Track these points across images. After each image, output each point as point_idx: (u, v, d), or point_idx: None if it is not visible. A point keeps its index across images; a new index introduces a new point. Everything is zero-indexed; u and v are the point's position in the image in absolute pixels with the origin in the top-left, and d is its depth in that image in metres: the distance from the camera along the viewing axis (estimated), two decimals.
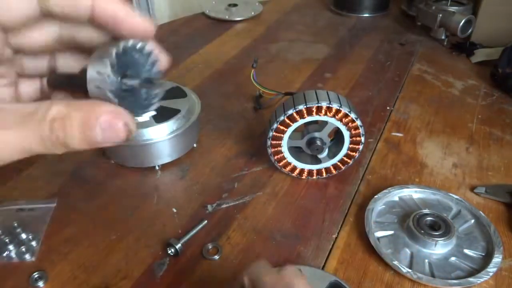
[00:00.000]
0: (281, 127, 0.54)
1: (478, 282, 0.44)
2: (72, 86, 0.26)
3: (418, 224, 0.49)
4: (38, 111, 0.20)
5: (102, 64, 0.22)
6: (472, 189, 0.57)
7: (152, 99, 0.25)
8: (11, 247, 0.49)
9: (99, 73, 0.22)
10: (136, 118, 0.23)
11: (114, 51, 0.22)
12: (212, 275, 0.46)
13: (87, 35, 0.25)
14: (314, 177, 0.60)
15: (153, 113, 0.26)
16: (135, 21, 0.23)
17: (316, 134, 0.56)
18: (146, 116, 0.25)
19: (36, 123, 0.20)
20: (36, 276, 0.46)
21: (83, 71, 0.22)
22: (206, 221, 0.52)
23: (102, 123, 0.20)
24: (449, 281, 0.44)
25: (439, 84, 0.83)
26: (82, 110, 0.20)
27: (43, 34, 0.24)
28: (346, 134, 0.55)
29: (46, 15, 0.22)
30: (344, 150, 0.57)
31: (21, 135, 0.20)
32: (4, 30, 0.22)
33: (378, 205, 0.54)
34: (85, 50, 0.26)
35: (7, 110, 0.21)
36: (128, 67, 0.23)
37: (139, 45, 0.24)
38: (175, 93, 0.65)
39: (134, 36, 0.24)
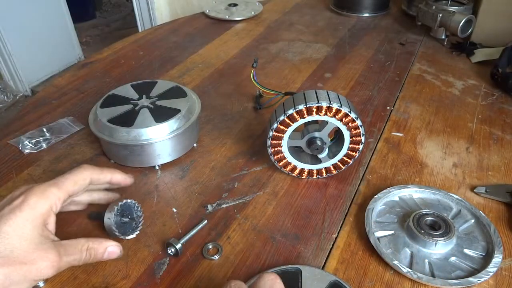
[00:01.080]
0: (281, 127, 0.54)
1: (478, 282, 0.44)
2: (97, 219, 0.51)
3: (418, 224, 0.49)
4: (83, 245, 0.41)
5: (111, 213, 0.47)
6: (472, 189, 0.57)
7: (137, 227, 0.49)
8: None
9: (109, 218, 0.47)
10: (128, 236, 0.48)
11: (118, 205, 0.47)
12: (212, 275, 0.46)
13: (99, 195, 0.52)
14: (314, 177, 0.60)
15: (137, 232, 0.49)
16: (123, 181, 0.50)
17: (316, 134, 0.56)
18: (134, 235, 0.48)
19: (81, 251, 0.41)
20: None
21: (103, 214, 0.48)
22: (206, 221, 0.52)
23: (109, 252, 0.43)
24: (449, 281, 0.44)
25: (439, 84, 0.83)
26: (99, 244, 0.42)
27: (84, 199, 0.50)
28: (346, 134, 0.55)
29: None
30: (344, 150, 0.57)
31: (74, 258, 0.40)
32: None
33: (378, 205, 0.54)
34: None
35: (69, 244, 0.41)
36: (125, 211, 0.49)
37: (131, 202, 0.49)
38: (175, 93, 0.65)
39: (121, 184, 0.50)
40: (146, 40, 1.03)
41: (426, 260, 0.47)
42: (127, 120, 0.59)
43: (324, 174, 0.59)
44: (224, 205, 0.55)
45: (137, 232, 0.49)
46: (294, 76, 0.86)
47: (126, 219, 0.49)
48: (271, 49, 0.97)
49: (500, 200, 0.55)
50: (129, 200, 0.49)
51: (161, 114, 0.60)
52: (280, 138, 0.56)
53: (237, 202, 0.56)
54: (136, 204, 0.50)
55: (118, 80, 0.84)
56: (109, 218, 0.47)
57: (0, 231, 0.36)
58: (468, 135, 0.69)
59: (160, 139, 0.58)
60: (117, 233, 0.47)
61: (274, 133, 0.55)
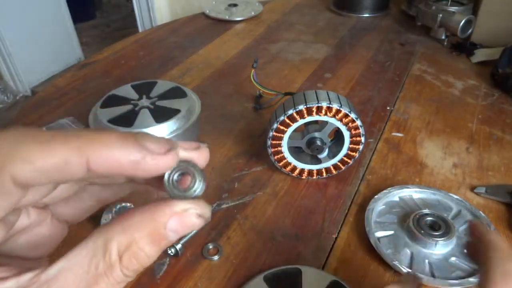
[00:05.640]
0: (281, 127, 0.54)
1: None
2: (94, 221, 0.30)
3: (418, 224, 0.49)
4: (96, 256, 0.17)
5: (108, 214, 0.30)
6: (472, 189, 0.57)
7: None
8: None
9: (105, 219, 0.33)
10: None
11: (117, 207, 0.28)
12: (212, 276, 0.46)
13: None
14: (314, 177, 0.60)
15: None
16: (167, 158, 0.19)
17: (316, 134, 0.56)
18: None
19: (104, 274, 0.17)
20: None
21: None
22: None
23: (172, 228, 0.18)
24: (449, 281, 0.44)
25: (439, 84, 0.83)
26: (145, 227, 0.18)
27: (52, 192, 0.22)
28: (346, 134, 0.55)
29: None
30: (344, 150, 0.57)
31: None
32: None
33: (378, 205, 0.54)
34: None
35: (58, 277, 0.17)
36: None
37: (130, 205, 0.28)
38: (175, 93, 0.65)
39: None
40: (146, 40, 1.03)
41: (426, 260, 0.47)
42: (127, 120, 0.59)
43: (324, 174, 0.59)
44: (224, 205, 0.55)
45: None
46: (294, 76, 0.86)
47: None
48: (271, 49, 0.97)
49: (500, 200, 0.55)
50: (128, 204, 0.49)
51: (161, 115, 0.60)
52: (280, 138, 0.56)
53: (237, 202, 0.56)
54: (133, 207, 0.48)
55: (118, 80, 0.84)
56: (106, 220, 0.47)
57: None
58: (468, 135, 0.69)
59: None
60: None
61: (274, 133, 0.55)
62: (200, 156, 0.20)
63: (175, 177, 0.20)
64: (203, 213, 0.19)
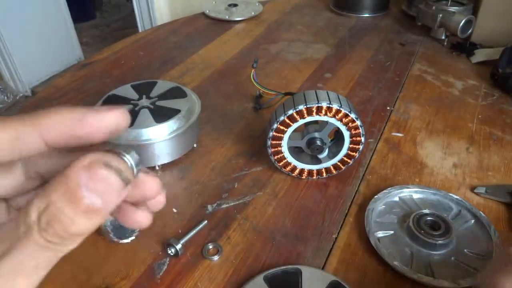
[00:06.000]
0: (281, 127, 0.54)
1: None
2: None
3: (418, 224, 0.49)
4: (20, 221, 0.17)
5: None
6: (472, 189, 0.57)
7: (133, 230, 0.45)
8: None
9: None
10: (124, 240, 0.39)
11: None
12: (212, 276, 0.46)
13: (51, 164, 0.22)
14: (314, 177, 0.60)
15: (133, 238, 0.45)
16: (96, 121, 0.20)
17: (316, 134, 0.56)
18: (129, 240, 0.46)
19: (23, 236, 0.16)
20: None
21: None
22: (206, 221, 0.52)
23: (83, 182, 0.16)
24: (449, 281, 0.44)
25: (439, 84, 0.83)
26: (60, 186, 0.17)
27: (9, 183, 0.22)
28: (346, 134, 0.55)
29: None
30: (344, 150, 0.57)
31: (17, 262, 0.16)
32: None
33: (378, 205, 0.54)
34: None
35: None
36: None
37: None
38: (175, 93, 0.65)
39: (102, 134, 0.20)
40: (146, 40, 1.03)
41: (426, 260, 0.47)
42: None
43: (324, 174, 0.59)
44: (224, 205, 0.55)
45: (133, 238, 0.48)
46: (294, 76, 0.86)
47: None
48: (271, 49, 0.97)
49: (500, 200, 0.55)
50: None
51: (161, 115, 0.60)
52: (280, 139, 0.56)
53: (237, 202, 0.56)
54: None
55: (118, 80, 0.84)
56: (105, 225, 0.47)
57: None
58: (468, 135, 0.69)
59: (160, 140, 0.58)
60: (113, 237, 0.47)
61: (274, 133, 0.55)
62: (117, 128, 0.20)
63: None
64: (113, 164, 0.17)
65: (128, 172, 0.18)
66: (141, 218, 0.21)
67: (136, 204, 0.22)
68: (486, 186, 0.57)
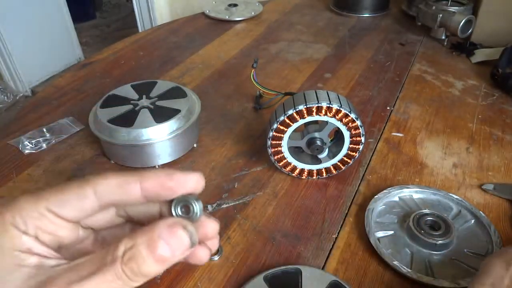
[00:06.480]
0: (281, 127, 0.54)
1: None
2: None
3: (418, 224, 0.49)
4: (109, 252, 0.21)
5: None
6: (481, 185, 0.58)
7: None
8: None
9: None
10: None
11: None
12: (212, 276, 0.46)
13: (138, 211, 0.28)
14: (314, 177, 0.60)
15: None
16: (182, 179, 0.25)
17: (316, 134, 0.56)
18: None
19: (109, 264, 0.21)
20: None
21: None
22: None
23: (163, 237, 0.21)
24: (449, 281, 0.44)
25: (439, 84, 0.83)
26: (146, 234, 0.22)
27: (103, 218, 0.27)
28: (346, 134, 0.55)
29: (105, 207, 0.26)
30: (344, 150, 0.57)
31: (99, 281, 0.21)
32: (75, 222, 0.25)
33: (378, 205, 0.54)
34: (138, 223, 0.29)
35: (82, 263, 0.22)
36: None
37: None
38: (175, 93, 0.65)
39: (184, 189, 0.25)
40: (146, 40, 1.03)
41: (426, 260, 0.47)
42: (127, 120, 0.59)
43: (324, 174, 0.59)
44: (224, 205, 0.55)
45: None
46: (294, 76, 0.86)
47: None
48: (271, 49, 0.97)
49: (507, 198, 0.55)
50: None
51: (161, 115, 0.60)
52: (280, 139, 0.56)
53: (237, 202, 0.56)
54: None
55: (118, 80, 0.84)
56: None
57: None
58: (468, 135, 0.69)
59: (160, 140, 0.58)
60: None
61: (274, 133, 0.55)
62: (196, 187, 0.25)
63: (179, 210, 0.25)
64: (189, 229, 0.22)
65: (196, 237, 0.23)
66: (203, 254, 0.26)
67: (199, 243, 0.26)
68: (494, 184, 0.57)
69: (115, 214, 0.28)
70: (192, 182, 0.25)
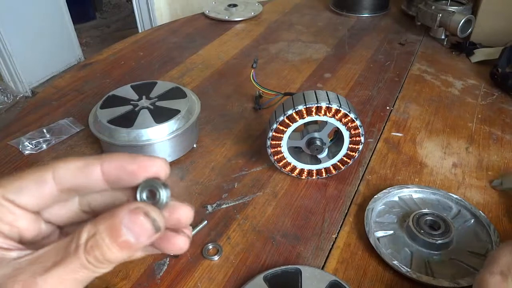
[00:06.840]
0: (281, 127, 0.54)
1: None
2: None
3: (418, 224, 0.49)
4: (73, 240, 0.21)
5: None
6: (491, 182, 0.58)
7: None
8: None
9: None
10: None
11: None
12: (212, 276, 0.47)
13: (101, 199, 0.26)
14: (314, 177, 0.60)
15: None
16: (145, 162, 0.24)
17: (316, 134, 0.56)
18: None
19: (72, 253, 0.20)
20: None
21: None
22: (206, 221, 0.52)
23: (125, 222, 0.21)
24: (449, 281, 0.44)
25: (439, 84, 0.83)
26: (107, 220, 0.21)
27: (66, 212, 0.26)
28: (346, 134, 0.55)
29: (64, 195, 0.24)
30: (343, 150, 0.57)
31: (64, 271, 0.20)
32: (35, 212, 0.24)
33: (378, 205, 0.54)
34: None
35: (46, 252, 0.21)
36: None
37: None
38: (175, 93, 0.65)
39: (147, 173, 0.24)
40: (146, 40, 1.03)
41: (426, 260, 0.47)
42: (127, 121, 0.59)
43: (324, 174, 0.59)
44: (224, 206, 0.55)
45: None
46: (293, 76, 0.86)
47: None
48: (271, 49, 0.97)
49: None
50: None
51: (161, 115, 0.60)
52: (280, 139, 0.56)
53: (237, 202, 0.56)
54: None
55: (118, 81, 0.84)
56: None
57: None
58: (467, 135, 0.69)
59: (160, 140, 0.58)
60: None
61: (274, 133, 0.55)
62: (160, 172, 0.24)
63: (144, 195, 0.24)
64: (151, 214, 0.21)
65: (161, 222, 0.22)
66: (180, 242, 0.25)
67: (175, 230, 0.25)
68: (502, 178, 0.57)
69: (79, 208, 0.26)
70: (155, 166, 0.24)
